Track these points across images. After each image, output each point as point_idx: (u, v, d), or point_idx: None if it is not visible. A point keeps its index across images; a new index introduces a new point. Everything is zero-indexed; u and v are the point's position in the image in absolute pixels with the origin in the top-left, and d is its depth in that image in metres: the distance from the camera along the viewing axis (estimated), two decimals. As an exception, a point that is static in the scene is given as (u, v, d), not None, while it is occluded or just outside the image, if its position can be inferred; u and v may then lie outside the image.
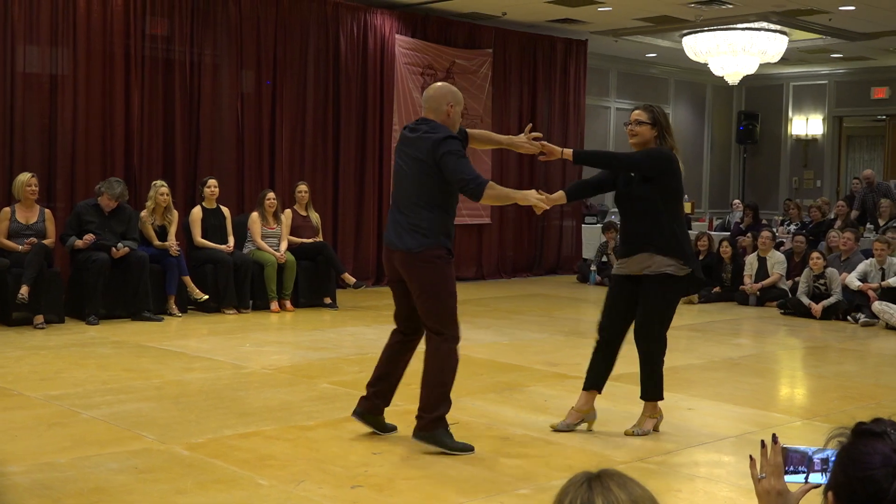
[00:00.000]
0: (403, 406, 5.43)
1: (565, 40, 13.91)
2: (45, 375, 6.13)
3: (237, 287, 9.23)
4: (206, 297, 8.97)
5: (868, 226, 12.45)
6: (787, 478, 2.01)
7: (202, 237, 9.35)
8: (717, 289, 11.18)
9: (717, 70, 14.03)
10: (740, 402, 5.82)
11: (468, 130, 4.97)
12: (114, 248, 8.45)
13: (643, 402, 4.97)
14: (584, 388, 5.00)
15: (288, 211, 9.95)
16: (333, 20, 11.45)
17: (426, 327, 4.62)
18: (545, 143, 4.95)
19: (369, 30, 11.79)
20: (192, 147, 10.39)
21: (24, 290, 7.82)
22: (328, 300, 9.78)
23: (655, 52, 15.55)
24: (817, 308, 9.69)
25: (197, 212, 9.41)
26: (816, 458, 1.99)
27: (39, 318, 7.99)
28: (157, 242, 8.95)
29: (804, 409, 5.92)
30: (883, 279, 9.59)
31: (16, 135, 9.21)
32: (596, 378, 5.00)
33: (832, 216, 12.73)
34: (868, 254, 10.14)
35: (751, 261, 11.02)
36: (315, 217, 10.14)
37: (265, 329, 8.50)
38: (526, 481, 4.17)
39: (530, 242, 13.82)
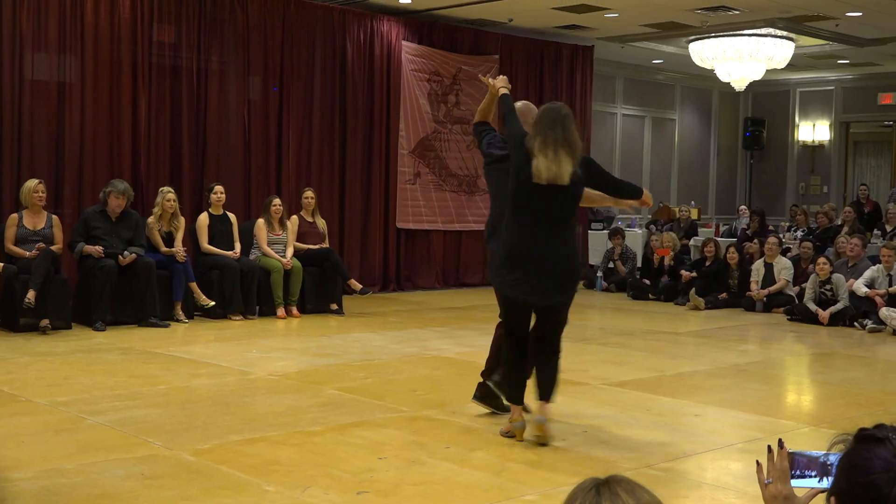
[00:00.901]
0: (409, 412, 5.43)
1: (572, 46, 13.92)
2: (52, 381, 6.14)
3: (243, 293, 9.24)
4: (213, 303, 8.99)
5: (875, 231, 12.43)
6: (794, 482, 2.01)
7: (209, 243, 9.36)
8: (723, 295, 11.17)
9: (723, 76, 14.02)
10: (747, 408, 5.80)
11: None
12: (120, 256, 8.46)
13: (544, 405, 4.86)
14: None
15: (294, 217, 9.96)
16: (340, 27, 11.47)
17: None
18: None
19: (376, 36, 11.81)
20: (198, 153, 10.41)
21: (30, 294, 7.83)
22: (334, 306, 9.79)
23: (662, 59, 15.55)
24: (824, 314, 9.67)
25: (203, 218, 9.43)
26: (822, 461, 1.99)
27: (45, 322, 8.00)
28: (163, 249, 8.97)
29: (811, 416, 5.90)
30: (890, 285, 9.57)
31: (24, 141, 9.24)
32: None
33: (839, 222, 12.70)
34: (875, 260, 10.11)
35: (757, 267, 11.01)
36: (321, 223, 10.15)
37: (271, 335, 8.50)
38: (532, 487, 4.16)
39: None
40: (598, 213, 14.85)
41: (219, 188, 9.53)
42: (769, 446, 2.06)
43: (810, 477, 2.00)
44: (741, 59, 13.32)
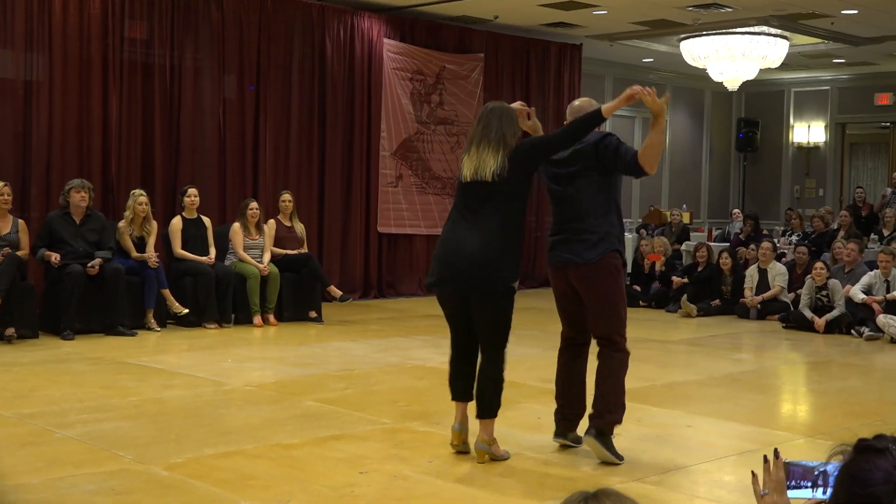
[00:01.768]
0: (391, 424, 5.43)
1: (559, 45, 13.96)
2: (19, 393, 6.10)
3: (218, 300, 9.21)
4: (187, 311, 8.96)
5: (872, 236, 12.51)
6: (790, 493, 2.02)
7: (182, 248, 9.33)
8: (716, 302, 11.21)
9: (715, 76, 14.09)
10: (741, 419, 5.83)
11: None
12: (90, 267, 8.39)
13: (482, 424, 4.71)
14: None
15: (271, 221, 9.94)
16: (319, 23, 11.47)
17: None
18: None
19: (356, 33, 11.81)
20: (171, 155, 10.38)
21: (-5, 302, 7.79)
22: (313, 314, 9.77)
23: (652, 57, 15.62)
24: (820, 322, 9.72)
25: (177, 222, 9.40)
26: (818, 472, 2.00)
27: (10, 330, 7.95)
28: (135, 254, 8.93)
29: (807, 427, 5.93)
30: (888, 291, 9.63)
31: (-12, 142, 9.20)
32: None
33: (835, 226, 12.79)
34: (873, 265, 10.18)
35: (751, 273, 11.06)
36: (300, 227, 10.14)
37: (248, 344, 8.48)
38: (518, 502, 4.16)
39: (524, 254, 13.80)
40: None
41: (192, 191, 9.51)
42: (765, 456, 2.07)
43: (806, 487, 2.02)
44: (734, 58, 13.39)
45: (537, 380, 6.88)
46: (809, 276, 10.18)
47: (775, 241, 12.55)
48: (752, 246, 11.85)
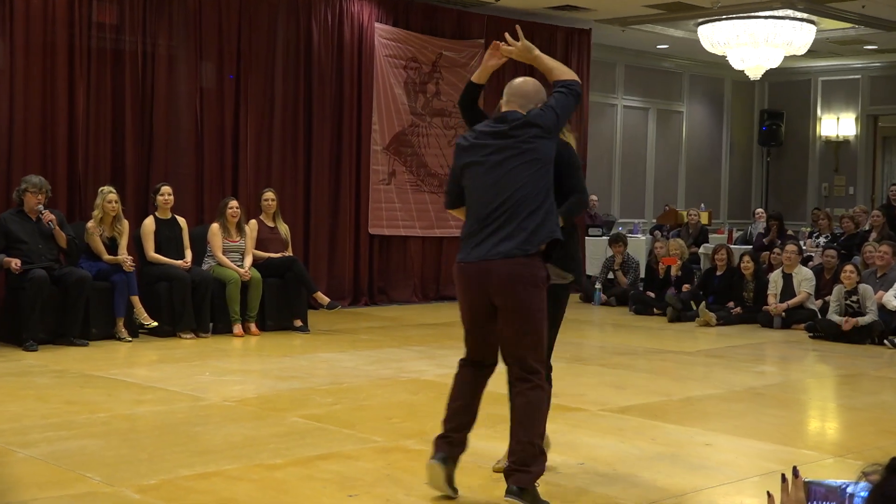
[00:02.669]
0: (383, 442, 5.43)
1: (566, 30, 13.97)
2: (-23, 409, 6.10)
3: (195, 308, 9.21)
4: (156, 323, 8.94)
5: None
6: None
7: (155, 251, 9.33)
8: (737, 309, 11.22)
9: (736, 63, 14.11)
10: (764, 436, 5.83)
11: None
12: (41, 214, 8.44)
13: None
14: None
15: (253, 222, 9.94)
16: (305, 6, 11.48)
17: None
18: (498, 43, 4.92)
19: (345, 18, 11.82)
20: (144, 150, 10.38)
21: (-48, 311, 7.79)
22: (298, 323, 9.77)
23: (667, 43, 15.64)
24: (848, 323, 9.71)
25: (149, 223, 9.40)
26: (842, 492, 2.00)
27: (-31, 344, 7.95)
28: (106, 256, 8.93)
29: (836, 445, 5.93)
30: (924, 298, 9.65)
31: (-56, 135, 9.21)
32: None
33: (867, 227, 12.80)
34: (907, 270, 10.20)
35: (775, 278, 11.06)
36: (284, 229, 10.14)
37: (227, 355, 8.48)
38: (522, 527, 4.16)
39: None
40: (596, 218, 14.90)
41: (166, 189, 9.50)
42: (783, 475, 2.08)
43: None
44: (756, 44, 13.41)
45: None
46: (839, 282, 10.18)
47: (801, 243, 12.56)
48: (777, 249, 11.86)
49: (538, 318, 4.32)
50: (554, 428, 5.19)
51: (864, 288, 9.96)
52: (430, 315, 11.39)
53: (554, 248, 4.40)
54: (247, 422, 5.91)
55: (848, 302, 9.99)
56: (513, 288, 4.26)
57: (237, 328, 9.40)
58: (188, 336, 9.10)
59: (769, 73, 14.79)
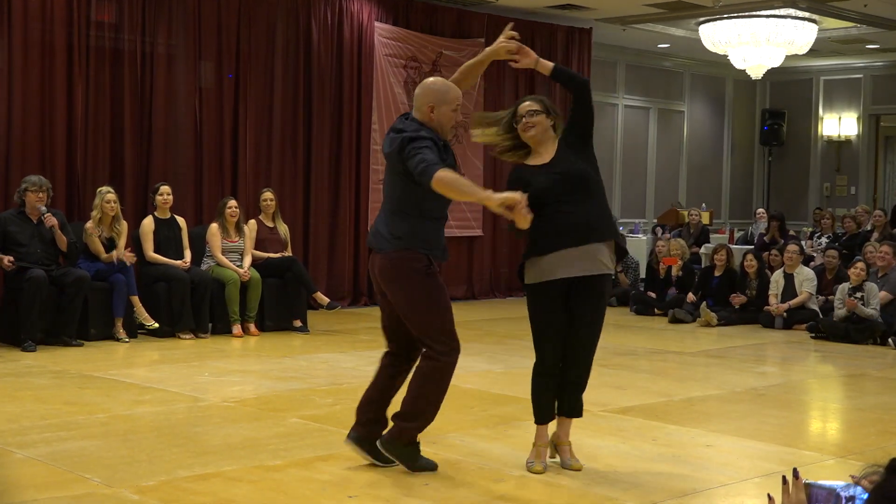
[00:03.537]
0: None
1: (567, 29, 13.98)
2: (-25, 409, 6.10)
3: (194, 308, 9.21)
4: (157, 324, 8.95)
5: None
6: None
7: (154, 251, 9.33)
8: (741, 298, 11.17)
9: (738, 63, 14.11)
10: (765, 437, 5.83)
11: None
12: (44, 217, 8.42)
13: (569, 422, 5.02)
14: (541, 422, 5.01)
15: (252, 222, 9.94)
16: (304, 5, 11.48)
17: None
18: (523, 45, 5.10)
19: (345, 17, 11.82)
20: (143, 149, 10.38)
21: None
22: (298, 323, 9.77)
23: (669, 43, 15.64)
24: (851, 302, 9.73)
25: (148, 223, 9.40)
26: (843, 494, 2.00)
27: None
28: (105, 255, 8.93)
29: (838, 446, 5.94)
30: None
31: (-58, 135, 9.21)
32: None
33: (869, 227, 12.80)
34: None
35: (776, 278, 11.06)
36: (283, 229, 10.14)
37: (226, 356, 8.48)
38: (523, 529, 4.16)
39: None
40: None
41: (165, 189, 9.51)
42: (784, 477, 2.08)
43: None
44: (758, 43, 13.41)
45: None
46: (841, 281, 10.18)
47: (803, 243, 12.56)
48: (775, 251, 11.85)
49: (416, 305, 4.77)
50: (554, 429, 5.19)
51: (870, 286, 9.95)
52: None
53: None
54: (246, 422, 5.91)
55: (853, 298, 9.97)
56: (384, 280, 4.87)
57: (236, 328, 9.40)
58: (187, 336, 9.11)
59: (771, 73, 14.79)
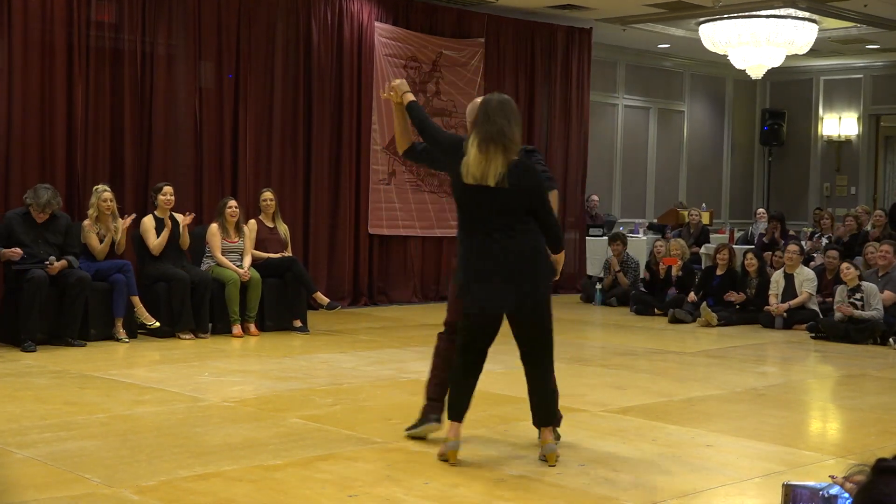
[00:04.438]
0: (383, 443, 5.43)
1: (567, 29, 13.97)
2: (-25, 409, 6.10)
3: (194, 308, 9.21)
4: (158, 323, 8.95)
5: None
6: None
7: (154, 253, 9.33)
8: (740, 296, 11.17)
9: (738, 63, 14.11)
10: (765, 437, 5.83)
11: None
12: (47, 263, 8.39)
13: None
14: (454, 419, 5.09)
15: (252, 222, 9.94)
16: (304, 5, 11.48)
17: None
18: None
19: (345, 16, 11.82)
20: (143, 149, 10.38)
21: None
22: (298, 323, 9.77)
23: (669, 43, 15.64)
24: (846, 309, 9.74)
25: (148, 220, 9.39)
26: (825, 494, 2.01)
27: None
28: (99, 247, 8.93)
29: (838, 447, 5.93)
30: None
31: (-58, 135, 9.21)
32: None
33: (868, 227, 12.80)
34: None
35: (776, 278, 11.06)
36: (283, 229, 10.14)
37: (226, 356, 8.48)
38: (523, 529, 4.16)
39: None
40: (597, 218, 14.91)
41: (168, 189, 9.49)
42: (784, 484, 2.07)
43: None
44: (758, 43, 13.41)
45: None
46: (840, 282, 10.19)
47: (803, 243, 12.56)
48: (776, 252, 11.85)
49: None
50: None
51: (868, 286, 9.96)
52: (430, 315, 11.37)
53: None
54: (246, 422, 5.91)
55: (852, 300, 9.99)
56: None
57: (236, 329, 9.40)
58: (187, 336, 9.11)
59: (771, 73, 14.79)
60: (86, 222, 9.03)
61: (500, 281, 4.89)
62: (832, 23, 13.86)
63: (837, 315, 9.96)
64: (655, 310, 11.84)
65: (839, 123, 17.69)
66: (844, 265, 10.14)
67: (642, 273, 12.71)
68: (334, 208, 11.85)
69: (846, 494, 1.92)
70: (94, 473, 4.74)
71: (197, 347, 8.77)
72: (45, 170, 9.63)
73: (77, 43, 9.87)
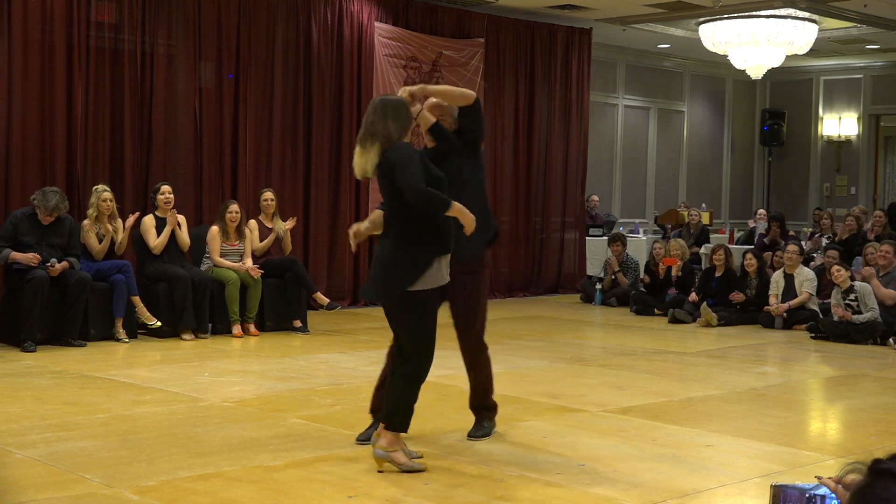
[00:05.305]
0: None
1: (567, 29, 13.97)
2: (-25, 409, 6.10)
3: (195, 308, 9.21)
4: (159, 323, 8.95)
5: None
6: None
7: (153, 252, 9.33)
8: (740, 296, 11.17)
9: (738, 63, 14.10)
10: (765, 438, 5.83)
11: None
12: (48, 266, 8.39)
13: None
14: None
15: (253, 222, 9.94)
16: (304, 6, 11.48)
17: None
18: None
19: (345, 17, 11.82)
20: (143, 149, 10.38)
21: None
22: (298, 323, 9.77)
23: (668, 43, 15.64)
24: (843, 313, 9.75)
25: (149, 219, 9.39)
26: (811, 494, 2.00)
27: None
28: (98, 248, 8.93)
29: (838, 447, 5.93)
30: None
31: (-58, 135, 9.21)
32: None
33: (868, 227, 12.79)
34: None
35: (776, 278, 11.06)
36: (281, 226, 10.12)
37: (226, 356, 8.48)
38: (523, 529, 4.16)
39: (528, 258, 13.84)
40: (596, 218, 14.90)
41: (166, 188, 9.50)
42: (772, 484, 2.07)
43: None
44: (758, 43, 13.40)
45: (542, 395, 6.88)
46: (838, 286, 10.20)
47: (803, 243, 12.56)
48: (778, 253, 11.84)
49: None
50: (554, 429, 5.20)
51: (862, 286, 9.96)
52: (430, 315, 11.36)
53: None
54: (246, 423, 5.91)
55: (847, 301, 9.99)
56: None
57: (236, 329, 9.40)
58: (187, 337, 9.10)
59: (771, 73, 14.79)
60: (85, 222, 9.03)
61: (373, 271, 5.05)
62: (832, 23, 13.86)
63: (836, 316, 9.96)
64: (655, 310, 11.84)
65: (839, 123, 17.69)
66: (835, 268, 10.13)
67: (641, 275, 12.70)
68: (334, 208, 11.84)
69: (833, 495, 1.90)
70: (93, 473, 4.74)
71: (197, 348, 8.77)
72: (44, 169, 9.63)
73: (77, 43, 9.86)
